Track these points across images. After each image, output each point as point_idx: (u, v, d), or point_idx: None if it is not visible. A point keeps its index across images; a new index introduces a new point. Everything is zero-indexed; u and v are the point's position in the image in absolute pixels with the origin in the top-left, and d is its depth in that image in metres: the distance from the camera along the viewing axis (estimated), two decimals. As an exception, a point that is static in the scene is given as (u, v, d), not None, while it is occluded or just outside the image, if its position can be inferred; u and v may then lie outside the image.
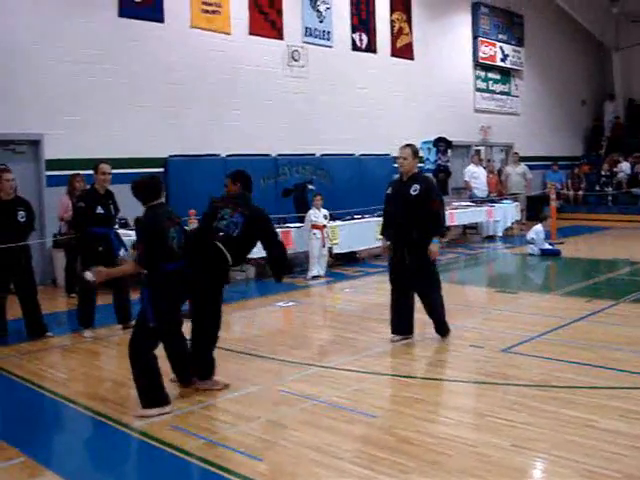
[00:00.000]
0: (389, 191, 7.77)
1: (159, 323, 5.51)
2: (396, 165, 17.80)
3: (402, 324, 7.64)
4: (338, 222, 13.43)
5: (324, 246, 12.29)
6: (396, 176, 8.45)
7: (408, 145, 7.68)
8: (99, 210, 8.45)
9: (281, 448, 4.79)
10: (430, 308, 7.59)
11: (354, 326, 8.45)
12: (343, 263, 13.83)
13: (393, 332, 7.66)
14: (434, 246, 7.35)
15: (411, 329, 7.68)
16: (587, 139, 26.96)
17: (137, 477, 4.54)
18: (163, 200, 5.86)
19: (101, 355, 7.74)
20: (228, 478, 4.36)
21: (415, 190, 7.33)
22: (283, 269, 6.68)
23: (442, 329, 7.64)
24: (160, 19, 13.58)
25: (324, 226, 12.32)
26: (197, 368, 6.15)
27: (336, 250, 13.23)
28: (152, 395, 5.50)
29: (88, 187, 9.36)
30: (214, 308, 6.13)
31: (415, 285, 7.54)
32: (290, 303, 10.08)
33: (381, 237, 8.08)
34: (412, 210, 7.31)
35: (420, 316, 8.30)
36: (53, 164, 12.16)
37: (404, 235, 7.38)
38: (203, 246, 6.03)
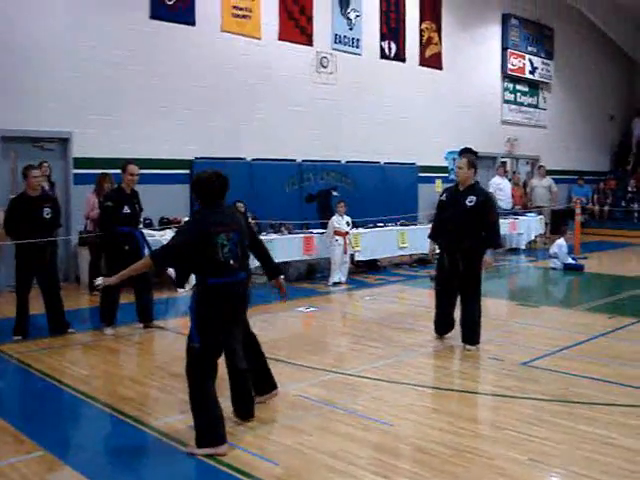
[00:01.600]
0: (443, 197, 8.00)
1: (204, 345, 4.85)
2: (421, 174, 17.95)
3: (445, 325, 8.05)
4: (361, 229, 13.45)
5: (346, 253, 12.29)
6: (445, 185, 8.75)
7: (465, 154, 8.01)
8: (126, 210, 8.53)
9: (297, 453, 4.80)
10: (470, 315, 7.73)
11: (373, 334, 8.46)
12: (364, 270, 13.84)
13: (437, 332, 8.13)
14: (489, 257, 7.64)
15: (452, 329, 8.07)
16: (614, 154, 26.77)
17: (153, 476, 4.57)
18: (222, 201, 5.04)
19: (122, 353, 7.80)
20: (243, 480, 4.39)
21: (471, 201, 7.57)
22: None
23: (474, 338, 7.74)
24: (191, 22, 13.69)
25: (346, 233, 12.33)
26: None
27: (358, 257, 13.25)
28: (206, 434, 4.80)
29: (115, 186, 9.46)
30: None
31: (461, 291, 7.79)
32: (310, 309, 10.10)
33: (429, 240, 8.36)
34: (466, 220, 7.57)
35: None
36: (81, 162, 12.29)
37: (457, 242, 7.64)
38: None
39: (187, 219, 5.82)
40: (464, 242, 7.58)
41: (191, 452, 4.78)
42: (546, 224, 19.10)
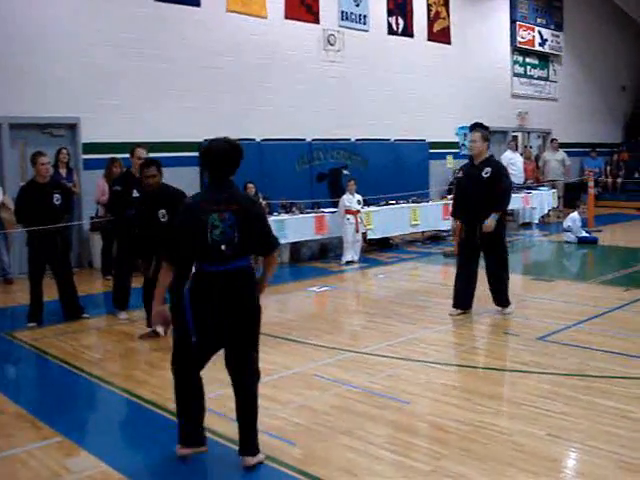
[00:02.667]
0: (460, 174, 8.21)
1: (199, 339, 4.29)
2: (432, 150, 17.86)
3: (465, 299, 8.11)
4: (372, 207, 13.39)
5: (358, 231, 12.24)
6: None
7: (476, 128, 8.11)
8: (135, 193, 8.50)
9: (314, 433, 4.79)
10: (498, 282, 7.99)
11: (388, 312, 8.43)
12: (377, 249, 13.80)
13: (455, 306, 8.14)
14: (491, 220, 7.75)
15: (470, 304, 8.14)
16: (627, 126, 26.49)
17: (171, 459, 4.57)
18: (229, 177, 4.36)
19: (136, 337, 7.80)
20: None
21: (487, 173, 7.76)
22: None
23: (504, 300, 8.03)
24: (197, 3, 13.60)
25: (358, 211, 12.28)
26: None
27: (370, 236, 13.20)
28: (184, 434, 4.48)
29: (124, 170, 9.44)
30: None
31: (487, 260, 7.99)
32: (324, 288, 10.08)
33: (451, 218, 8.65)
34: (484, 192, 7.72)
35: (451, 302, 8.28)
36: (90, 147, 12.27)
37: (477, 215, 7.79)
38: None
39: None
40: (484, 213, 7.76)
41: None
42: (559, 198, 18.96)
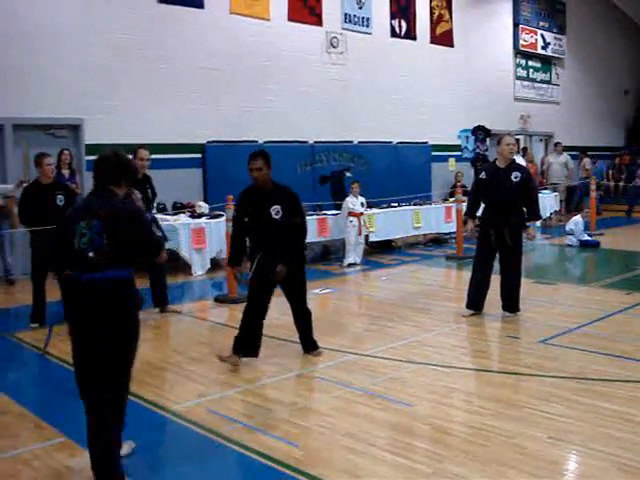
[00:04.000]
0: (483, 176, 8.22)
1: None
2: (434, 153, 17.87)
3: (478, 301, 8.16)
4: (375, 210, 13.41)
5: (360, 234, 12.25)
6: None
7: (509, 133, 8.63)
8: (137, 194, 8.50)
9: (316, 434, 4.80)
10: (514, 286, 8.05)
11: (390, 314, 8.44)
12: (379, 251, 13.81)
13: (468, 307, 8.21)
14: (533, 229, 8.05)
15: (482, 306, 8.19)
16: (629, 129, 26.51)
17: (173, 460, 4.58)
18: (110, 186, 4.28)
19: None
20: (263, 463, 4.39)
21: (517, 177, 7.86)
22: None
23: (515, 305, 8.09)
24: (200, 5, 13.62)
25: (361, 214, 12.29)
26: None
27: (372, 238, 13.22)
28: None
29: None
30: None
31: (504, 264, 8.05)
32: (326, 290, 10.09)
33: (465, 217, 8.81)
34: (514, 195, 7.84)
35: (456, 305, 8.30)
36: (93, 148, 12.26)
37: (505, 217, 7.85)
38: None
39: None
40: (512, 217, 7.87)
41: None
42: (561, 201, 18.97)
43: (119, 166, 4.34)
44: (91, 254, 4.00)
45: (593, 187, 17.02)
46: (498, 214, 7.91)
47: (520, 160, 18.02)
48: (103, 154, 4.36)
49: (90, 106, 12.18)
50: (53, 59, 11.78)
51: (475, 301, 8.18)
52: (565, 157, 19.79)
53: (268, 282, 6.33)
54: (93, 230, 4.03)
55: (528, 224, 8.09)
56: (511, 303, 8.08)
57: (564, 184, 19.54)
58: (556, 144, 20.64)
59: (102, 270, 4.00)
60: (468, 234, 9.33)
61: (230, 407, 5.34)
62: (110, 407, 4.16)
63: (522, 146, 21.23)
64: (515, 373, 6.13)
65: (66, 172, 11.43)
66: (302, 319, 6.73)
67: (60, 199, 8.27)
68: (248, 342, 6.34)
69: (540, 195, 17.35)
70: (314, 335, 6.79)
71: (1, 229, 10.93)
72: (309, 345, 6.75)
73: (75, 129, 12.30)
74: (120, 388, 4.28)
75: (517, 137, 21.30)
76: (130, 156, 8.69)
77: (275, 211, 6.24)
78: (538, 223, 17.00)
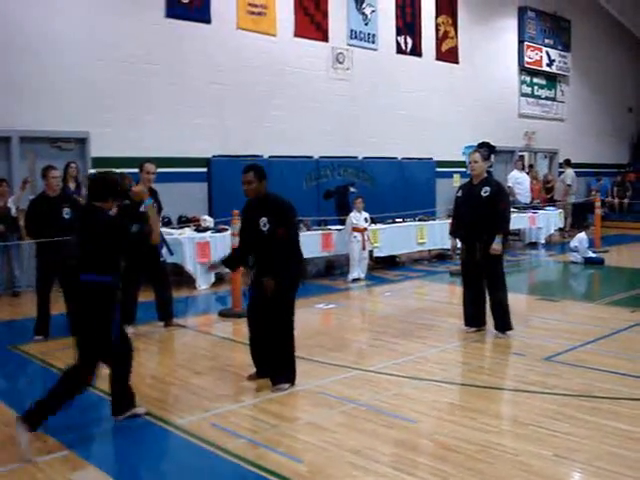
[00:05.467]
0: (459, 194, 8.24)
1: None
2: (439, 169, 17.92)
3: (476, 317, 8.15)
4: (379, 225, 13.42)
5: (364, 249, 12.26)
6: (464, 180, 9.04)
7: (477, 150, 8.32)
8: (142, 208, 8.51)
9: (320, 450, 4.79)
10: (496, 303, 7.96)
11: (394, 330, 8.43)
12: (383, 266, 13.81)
13: (467, 324, 8.21)
14: (497, 244, 7.78)
15: (484, 321, 8.17)
16: (633, 146, 26.55)
17: (177, 475, 4.57)
18: (92, 203, 5.30)
19: (143, 351, 7.79)
20: (267, 478, 4.38)
21: (486, 192, 7.84)
22: None
23: (504, 325, 7.97)
24: (207, 20, 13.71)
25: (365, 229, 12.30)
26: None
27: (377, 253, 13.22)
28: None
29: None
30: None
31: (485, 280, 7.99)
32: (330, 305, 10.09)
33: (450, 237, 8.73)
34: (484, 211, 7.79)
35: (460, 321, 8.29)
36: (99, 162, 12.32)
37: (476, 234, 7.87)
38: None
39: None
40: (483, 232, 7.83)
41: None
42: (565, 218, 18.96)
43: (105, 187, 5.23)
44: (74, 261, 5.11)
45: (598, 204, 17.02)
46: (470, 230, 7.96)
47: (523, 176, 18.16)
48: (94, 175, 5.31)
49: (96, 120, 12.25)
50: (60, 73, 11.86)
51: (472, 318, 8.17)
52: (566, 174, 19.84)
53: (263, 299, 6.11)
54: (77, 240, 5.14)
55: (495, 238, 7.81)
56: (498, 321, 7.99)
57: (564, 201, 19.47)
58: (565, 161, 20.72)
59: (81, 274, 5.07)
60: (451, 253, 9.30)
61: (234, 422, 5.33)
62: None
63: (528, 163, 21.29)
64: (520, 390, 6.11)
65: (72, 185, 11.47)
66: (272, 343, 6.21)
67: (66, 212, 8.29)
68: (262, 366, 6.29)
69: (544, 212, 17.50)
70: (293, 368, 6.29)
71: (8, 241, 10.97)
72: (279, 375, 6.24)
73: (81, 142, 12.37)
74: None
75: (522, 154, 21.38)
76: (137, 171, 8.83)
77: (263, 223, 6.06)
78: (546, 240, 17.04)
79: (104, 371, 6.85)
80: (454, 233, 8.46)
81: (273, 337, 6.12)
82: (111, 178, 5.31)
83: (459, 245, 8.43)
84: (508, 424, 5.29)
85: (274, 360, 6.16)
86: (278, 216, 6.09)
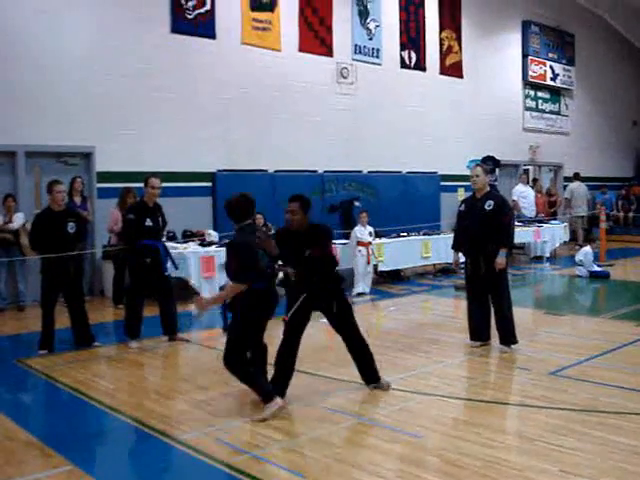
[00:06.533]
0: (462, 208, 8.28)
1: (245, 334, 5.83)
2: (443, 183, 17.90)
3: (480, 331, 8.13)
4: (384, 239, 13.40)
5: (369, 263, 12.25)
6: (468, 194, 8.99)
7: (479, 164, 8.41)
8: (148, 222, 8.56)
9: (324, 465, 4.76)
10: (501, 317, 7.95)
11: (399, 345, 8.41)
12: (388, 281, 13.79)
13: (472, 339, 8.18)
14: (501, 258, 7.78)
15: (489, 335, 8.15)
16: (638, 160, 26.53)
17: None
18: (250, 221, 5.99)
19: (147, 366, 7.81)
20: (271, 494, 4.37)
21: (489, 205, 7.87)
22: None
23: (508, 339, 7.96)
24: (212, 35, 13.78)
25: (369, 243, 12.29)
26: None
27: (381, 268, 13.20)
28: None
29: (138, 199, 9.52)
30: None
31: (489, 294, 7.99)
32: (334, 319, 10.04)
33: (452, 251, 8.66)
34: (487, 224, 7.82)
35: (465, 336, 8.26)
36: (104, 176, 12.37)
37: (480, 248, 7.87)
38: None
39: (230, 241, 6.08)
40: (487, 246, 7.83)
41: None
42: (574, 231, 18.93)
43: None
44: None
45: (603, 218, 17.00)
46: (473, 244, 7.97)
47: (527, 190, 18.15)
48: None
49: (102, 134, 12.29)
50: (66, 88, 11.92)
51: (476, 332, 8.15)
52: (573, 186, 19.94)
53: (306, 322, 6.37)
54: None
55: (499, 252, 7.82)
56: (502, 334, 7.97)
57: (568, 214, 19.51)
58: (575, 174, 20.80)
59: None
60: (454, 267, 9.28)
61: (238, 437, 5.31)
62: None
63: (532, 177, 21.30)
64: (525, 405, 6.09)
65: (78, 199, 11.52)
66: (357, 350, 6.64)
67: (71, 226, 8.32)
68: (284, 382, 6.24)
69: (549, 226, 17.48)
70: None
71: (12, 256, 10.99)
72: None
73: (86, 157, 12.40)
74: None
75: (526, 167, 21.38)
76: (142, 185, 8.85)
77: (308, 253, 6.23)
78: (554, 253, 17.02)
79: (106, 385, 6.86)
80: (456, 247, 8.45)
81: (357, 343, 6.64)
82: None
83: (462, 259, 8.43)
84: (513, 439, 5.26)
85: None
86: (317, 239, 6.29)
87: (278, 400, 5.70)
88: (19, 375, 7.46)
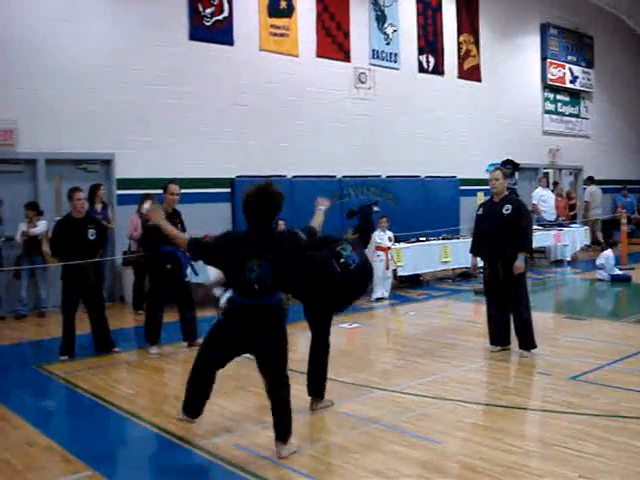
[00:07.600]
0: (480, 212, 8.24)
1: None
2: (462, 187, 17.84)
3: (500, 335, 8.09)
4: (403, 244, 13.37)
5: (388, 268, 12.23)
6: (486, 198, 9.02)
7: (498, 167, 8.42)
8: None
9: (343, 471, 4.76)
10: (520, 321, 7.90)
11: (418, 350, 8.38)
12: (407, 286, 13.75)
13: (492, 343, 8.15)
14: (519, 262, 7.74)
15: (509, 340, 8.12)
16: (659, 162, 26.28)
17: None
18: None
19: (166, 372, 7.84)
20: (290, 500, 4.37)
21: (507, 210, 7.83)
22: None
23: (527, 343, 7.91)
24: (230, 42, 13.84)
25: (388, 248, 12.28)
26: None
27: (400, 272, 13.17)
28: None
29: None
30: None
31: (507, 298, 7.93)
32: (354, 325, 10.05)
33: (470, 255, 8.54)
34: (505, 228, 7.79)
35: (485, 340, 8.22)
36: (124, 183, 12.45)
37: (498, 252, 7.83)
38: None
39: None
40: (505, 250, 7.79)
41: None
42: (594, 232, 18.80)
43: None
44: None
45: (624, 221, 16.87)
46: (492, 248, 7.93)
47: (547, 193, 18.05)
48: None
49: (121, 141, 12.38)
50: (85, 95, 12.01)
51: (496, 337, 8.11)
52: (586, 191, 19.95)
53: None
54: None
55: (518, 256, 7.77)
56: (521, 339, 7.93)
57: (586, 217, 19.40)
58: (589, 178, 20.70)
59: None
60: (472, 271, 9.22)
61: (257, 443, 5.32)
62: None
63: (552, 180, 21.19)
64: (545, 410, 6.05)
65: (99, 206, 11.60)
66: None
67: (92, 233, 8.38)
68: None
69: (569, 229, 17.36)
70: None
71: (34, 262, 11.10)
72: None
73: (106, 164, 12.49)
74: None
75: (546, 171, 21.26)
76: (161, 191, 8.90)
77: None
78: (570, 257, 16.90)
79: (126, 390, 6.89)
80: (474, 251, 8.40)
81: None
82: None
83: (480, 263, 8.39)
84: (534, 445, 5.22)
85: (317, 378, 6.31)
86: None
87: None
88: (40, 381, 7.52)
